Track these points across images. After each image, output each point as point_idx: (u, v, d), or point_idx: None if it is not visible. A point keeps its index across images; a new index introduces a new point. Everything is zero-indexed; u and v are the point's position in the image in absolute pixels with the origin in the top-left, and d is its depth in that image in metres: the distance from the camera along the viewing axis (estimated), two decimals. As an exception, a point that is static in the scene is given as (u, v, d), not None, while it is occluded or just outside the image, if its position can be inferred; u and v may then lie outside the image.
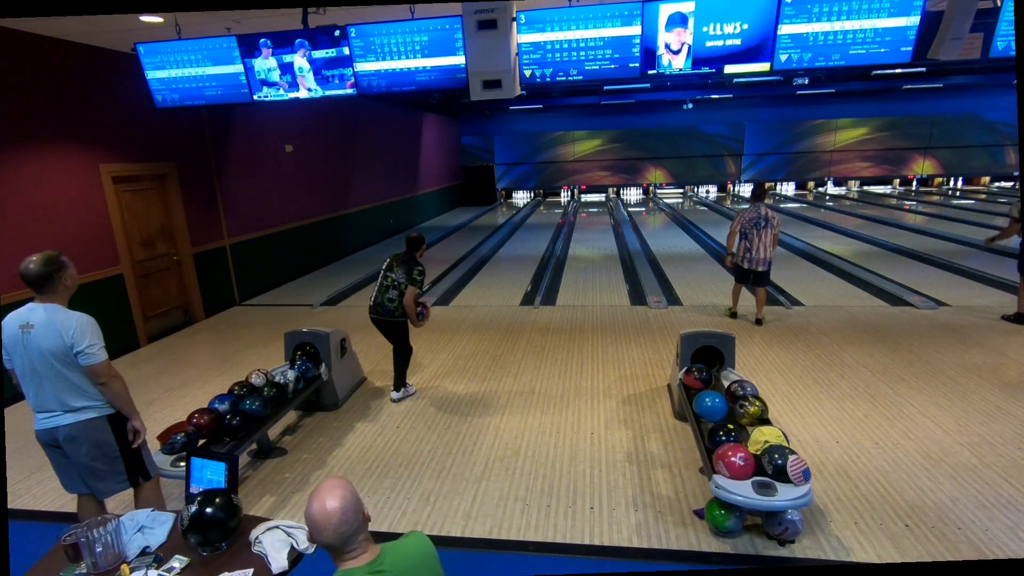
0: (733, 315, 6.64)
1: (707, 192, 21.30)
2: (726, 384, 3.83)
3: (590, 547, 2.95)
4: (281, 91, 5.29)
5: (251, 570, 1.90)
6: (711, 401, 3.59)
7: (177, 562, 1.96)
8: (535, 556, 2.91)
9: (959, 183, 20.46)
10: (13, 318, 2.58)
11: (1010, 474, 3.42)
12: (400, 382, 4.83)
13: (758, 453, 2.90)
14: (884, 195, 19.32)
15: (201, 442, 3.38)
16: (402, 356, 4.81)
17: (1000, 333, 5.77)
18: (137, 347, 6.43)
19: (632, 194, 21.57)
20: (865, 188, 20.84)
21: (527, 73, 4.97)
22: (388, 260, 4.66)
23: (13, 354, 2.58)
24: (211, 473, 2.31)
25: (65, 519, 3.33)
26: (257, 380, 3.93)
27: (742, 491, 2.75)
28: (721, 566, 2.81)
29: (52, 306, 2.57)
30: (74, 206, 5.70)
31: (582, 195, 21.64)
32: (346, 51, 5.03)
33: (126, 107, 6.19)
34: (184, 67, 5.39)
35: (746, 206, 6.25)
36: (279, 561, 1.92)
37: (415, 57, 4.99)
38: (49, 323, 2.52)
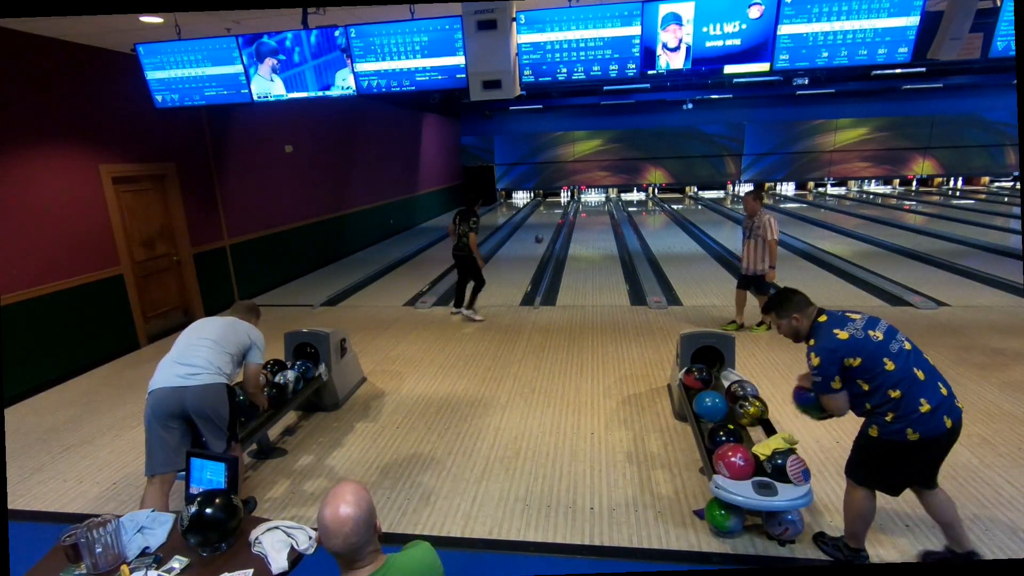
0: (740, 327, 6.13)
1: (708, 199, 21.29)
2: (726, 384, 3.83)
3: (590, 547, 2.95)
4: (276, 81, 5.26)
5: (251, 571, 1.90)
6: (711, 401, 3.59)
7: (177, 563, 1.95)
8: (535, 556, 2.91)
9: (959, 183, 20.47)
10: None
11: (1010, 474, 3.41)
12: (471, 303, 6.91)
13: (767, 455, 2.88)
14: (884, 195, 19.34)
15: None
16: (475, 285, 6.89)
17: (1000, 333, 5.77)
18: (137, 347, 6.43)
19: (632, 196, 21.57)
20: (866, 188, 20.82)
21: (527, 73, 4.97)
22: (455, 215, 6.77)
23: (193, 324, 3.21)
24: (211, 474, 2.31)
25: (65, 519, 3.32)
26: (257, 380, 3.93)
27: (742, 491, 2.75)
28: (721, 566, 2.81)
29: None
30: (74, 206, 5.70)
31: (582, 195, 21.64)
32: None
33: (126, 107, 6.19)
34: (184, 67, 5.39)
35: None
36: (279, 562, 1.92)
37: (415, 57, 4.98)
38: (240, 321, 3.29)
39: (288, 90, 5.27)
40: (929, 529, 2.96)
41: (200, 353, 3.01)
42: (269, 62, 5.16)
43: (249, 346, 3.21)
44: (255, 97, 5.38)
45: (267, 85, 5.28)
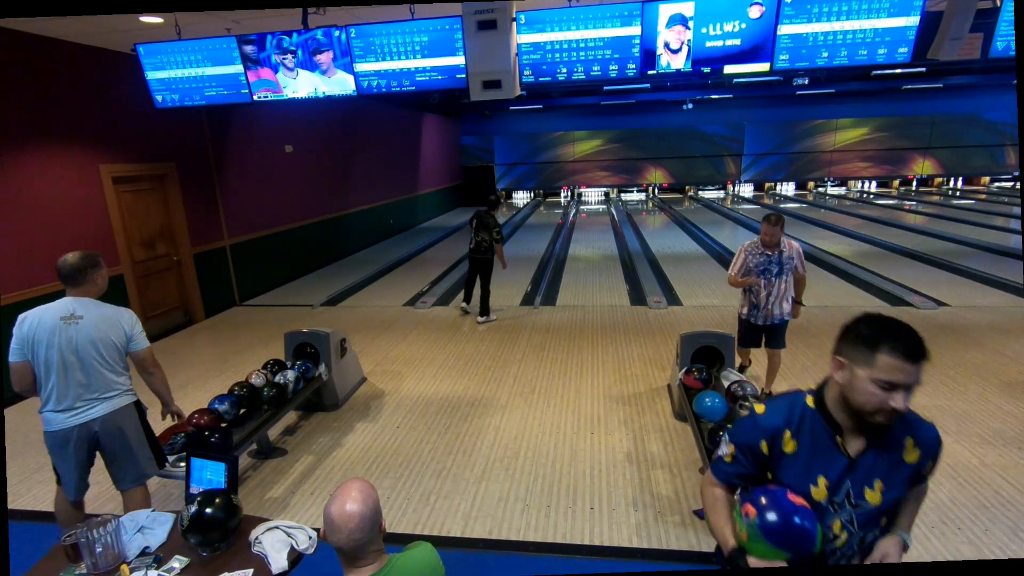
0: (741, 369, 4.80)
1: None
2: (726, 384, 3.83)
3: (590, 547, 2.96)
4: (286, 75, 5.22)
5: (251, 570, 1.90)
6: (711, 401, 3.58)
7: (177, 562, 1.96)
8: (535, 556, 2.91)
9: (959, 183, 20.46)
10: (51, 310, 2.61)
11: (1010, 474, 3.42)
12: (484, 311, 6.81)
13: None
14: (884, 195, 19.32)
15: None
16: (483, 294, 6.81)
17: (1000, 333, 5.77)
18: (137, 347, 6.42)
19: (632, 196, 21.56)
20: (871, 190, 20.74)
21: (527, 73, 4.97)
22: (473, 219, 6.67)
23: (45, 345, 2.57)
24: (211, 473, 2.31)
25: (65, 519, 3.32)
26: (257, 380, 3.93)
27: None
28: (721, 566, 2.81)
29: (96, 301, 2.69)
30: (74, 206, 5.70)
31: (581, 195, 21.63)
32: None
33: (126, 107, 6.19)
34: (184, 68, 5.39)
35: (754, 240, 4.28)
36: (279, 561, 1.92)
37: (415, 57, 4.98)
38: (104, 315, 2.66)
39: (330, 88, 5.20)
40: (929, 530, 2.96)
41: (87, 389, 2.65)
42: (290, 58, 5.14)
43: (129, 336, 2.72)
44: (255, 96, 5.38)
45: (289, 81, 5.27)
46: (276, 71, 5.20)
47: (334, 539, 1.47)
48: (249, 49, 5.14)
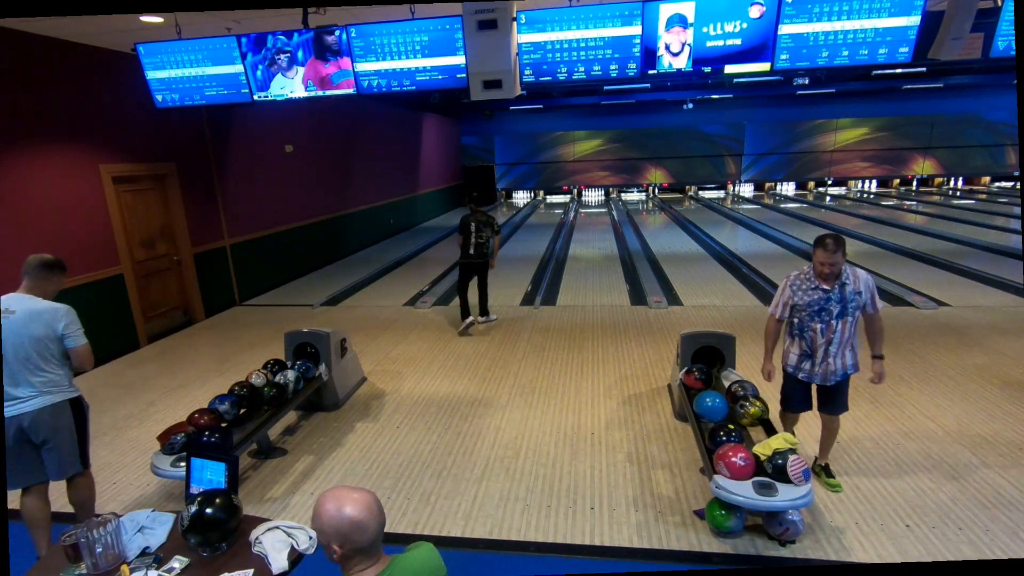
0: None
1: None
2: (726, 384, 3.83)
3: (591, 547, 2.95)
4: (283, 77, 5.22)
5: (251, 571, 1.90)
6: (711, 401, 3.58)
7: (177, 563, 1.95)
8: (536, 556, 2.91)
9: (959, 183, 20.46)
10: None
11: (1010, 474, 3.41)
12: (484, 311, 6.75)
13: (768, 455, 2.88)
14: (884, 195, 19.32)
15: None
16: (484, 294, 6.71)
17: (1000, 333, 5.77)
18: (137, 347, 6.43)
19: (633, 196, 21.55)
20: (871, 189, 20.71)
21: (527, 73, 4.97)
22: (472, 223, 6.35)
23: None
24: (211, 473, 2.31)
25: (65, 519, 3.32)
26: (257, 380, 3.92)
27: (743, 491, 2.75)
28: (721, 566, 2.81)
29: (34, 297, 2.74)
30: (74, 206, 5.69)
31: (581, 195, 21.63)
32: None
33: (126, 107, 6.19)
34: (184, 67, 5.38)
35: (804, 269, 3.21)
36: (279, 562, 1.92)
37: (415, 57, 4.98)
38: (35, 310, 2.69)
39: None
40: (929, 530, 2.96)
41: (20, 384, 2.67)
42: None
43: (60, 334, 2.73)
44: (256, 96, 5.37)
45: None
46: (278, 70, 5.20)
47: (362, 538, 1.45)
48: (331, 40, 5.03)
